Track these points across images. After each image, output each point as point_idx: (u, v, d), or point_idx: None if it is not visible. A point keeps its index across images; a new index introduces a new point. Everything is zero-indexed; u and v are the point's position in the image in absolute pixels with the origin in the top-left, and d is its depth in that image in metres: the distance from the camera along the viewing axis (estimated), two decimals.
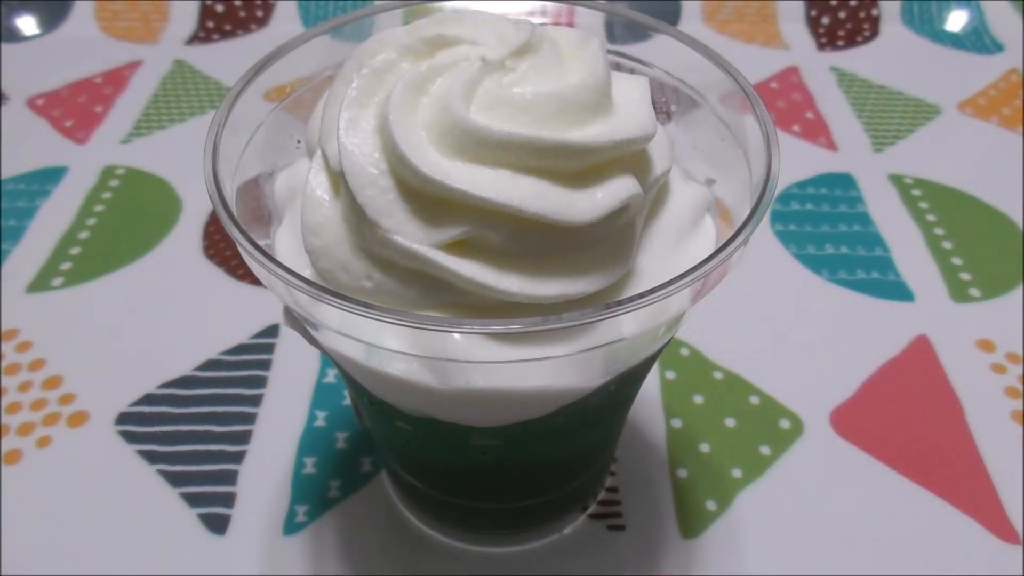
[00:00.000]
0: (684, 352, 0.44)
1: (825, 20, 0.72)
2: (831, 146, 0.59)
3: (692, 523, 0.37)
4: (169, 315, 0.46)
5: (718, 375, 0.43)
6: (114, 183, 0.55)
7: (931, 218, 0.53)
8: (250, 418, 0.40)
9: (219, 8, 0.71)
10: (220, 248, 0.50)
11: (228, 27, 0.71)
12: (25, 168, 0.56)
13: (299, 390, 0.42)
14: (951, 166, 0.57)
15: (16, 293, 0.47)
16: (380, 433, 0.33)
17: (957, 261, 0.50)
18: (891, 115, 0.62)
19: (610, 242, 0.23)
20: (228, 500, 0.37)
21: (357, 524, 0.36)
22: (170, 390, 0.42)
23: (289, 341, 0.44)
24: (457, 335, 0.22)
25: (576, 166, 0.22)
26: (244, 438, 0.40)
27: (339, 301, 0.20)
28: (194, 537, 0.36)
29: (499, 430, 0.27)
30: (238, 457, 0.39)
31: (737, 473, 0.39)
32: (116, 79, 0.65)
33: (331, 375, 0.42)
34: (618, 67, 0.29)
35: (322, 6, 0.72)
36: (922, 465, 0.39)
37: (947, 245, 0.51)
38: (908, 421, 0.41)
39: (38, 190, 0.54)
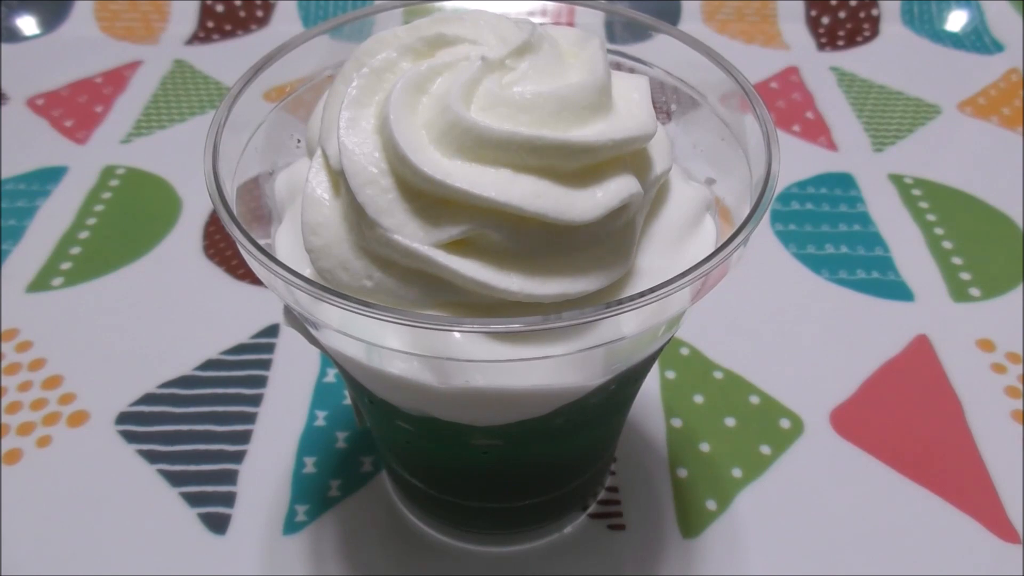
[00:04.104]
0: (684, 352, 0.44)
1: (825, 20, 0.72)
2: (831, 146, 0.59)
3: (692, 523, 0.37)
4: (169, 315, 0.46)
5: (718, 375, 0.43)
6: (114, 183, 0.55)
7: (931, 218, 0.53)
8: (250, 418, 0.40)
9: (219, 8, 0.71)
10: (220, 248, 0.50)
11: (228, 27, 0.71)
12: (25, 168, 0.56)
13: (299, 390, 0.42)
14: (951, 166, 0.57)
15: (16, 293, 0.47)
16: (380, 433, 0.33)
17: (957, 261, 0.50)
18: (891, 115, 0.62)
19: (610, 241, 0.23)
20: (228, 500, 0.37)
21: (357, 524, 0.36)
22: (170, 390, 0.42)
23: (289, 341, 0.44)
24: (457, 334, 0.22)
25: (576, 165, 0.22)
26: (244, 438, 0.40)
27: (339, 300, 0.20)
28: (194, 537, 0.36)
29: (499, 430, 0.27)
30: (238, 457, 0.39)
31: (737, 473, 0.39)
32: (116, 79, 0.65)
33: (331, 375, 0.42)
34: (618, 67, 0.29)
35: (322, 6, 0.72)
36: (922, 465, 0.39)
37: (947, 245, 0.51)
38: (908, 421, 0.41)
39: (38, 190, 0.54)
